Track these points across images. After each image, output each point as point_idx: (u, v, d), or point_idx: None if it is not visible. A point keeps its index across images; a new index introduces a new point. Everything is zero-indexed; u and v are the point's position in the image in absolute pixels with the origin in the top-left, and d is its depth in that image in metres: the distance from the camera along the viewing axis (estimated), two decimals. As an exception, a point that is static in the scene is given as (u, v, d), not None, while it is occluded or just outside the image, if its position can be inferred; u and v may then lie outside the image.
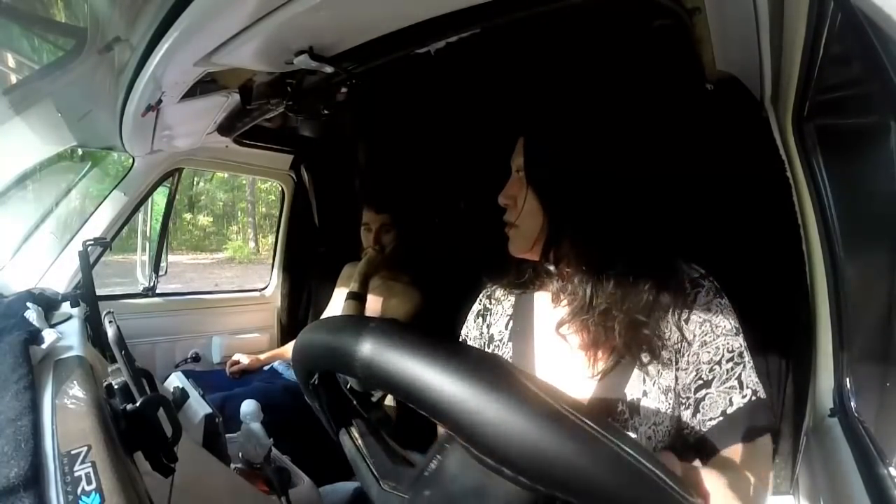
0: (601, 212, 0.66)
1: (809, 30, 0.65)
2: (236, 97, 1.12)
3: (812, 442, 0.78)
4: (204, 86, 1.00)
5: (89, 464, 0.42)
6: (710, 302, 0.66)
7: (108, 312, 0.77)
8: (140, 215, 1.83)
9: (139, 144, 1.32)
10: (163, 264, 1.96)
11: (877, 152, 0.69)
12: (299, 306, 2.28)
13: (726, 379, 0.64)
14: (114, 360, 0.65)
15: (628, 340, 0.64)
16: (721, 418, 0.63)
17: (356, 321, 0.32)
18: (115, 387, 0.55)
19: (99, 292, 1.18)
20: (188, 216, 14.50)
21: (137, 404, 0.50)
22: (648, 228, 0.67)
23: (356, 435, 0.45)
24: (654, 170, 0.72)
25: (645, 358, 0.64)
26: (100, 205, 1.59)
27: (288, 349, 2.00)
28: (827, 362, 0.79)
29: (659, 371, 0.65)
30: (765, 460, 0.63)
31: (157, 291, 1.96)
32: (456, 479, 0.30)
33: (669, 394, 0.65)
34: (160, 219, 1.93)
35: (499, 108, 1.25)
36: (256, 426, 1.05)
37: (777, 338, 0.89)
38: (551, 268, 0.72)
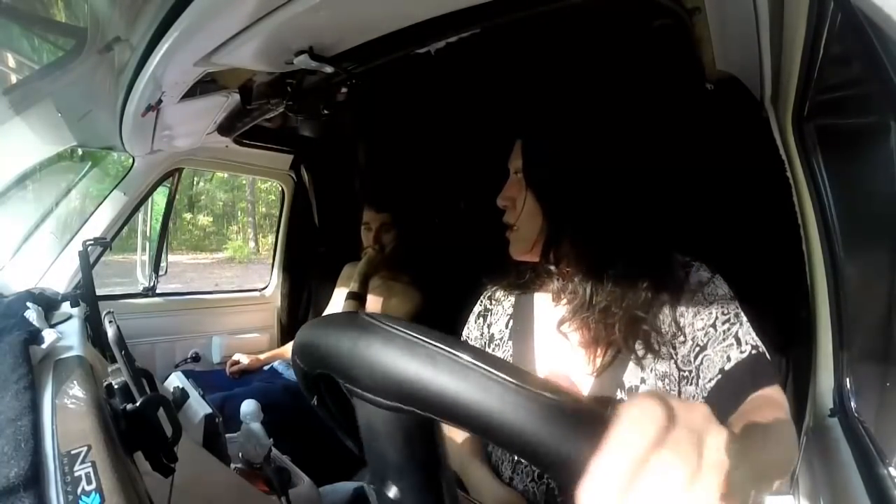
0: (600, 212, 0.66)
1: (809, 30, 0.65)
2: (236, 97, 1.12)
3: (812, 442, 0.78)
4: (204, 86, 1.00)
5: (89, 464, 0.41)
6: (700, 277, 0.67)
7: (108, 312, 0.77)
8: (140, 215, 1.83)
9: (139, 144, 1.32)
10: (163, 264, 1.96)
11: (877, 152, 0.69)
12: (299, 306, 2.28)
13: (723, 339, 0.63)
14: (114, 360, 0.65)
15: (627, 336, 0.64)
16: (719, 376, 0.62)
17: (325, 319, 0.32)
18: (115, 387, 0.55)
19: (99, 292, 1.18)
20: (188, 216, 14.51)
21: (137, 404, 0.50)
22: (647, 227, 0.68)
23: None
24: (654, 170, 0.72)
25: (641, 351, 0.65)
26: (100, 205, 1.59)
27: (288, 349, 2.00)
28: (827, 362, 0.79)
29: (655, 360, 0.66)
30: (780, 412, 0.57)
31: (157, 291, 1.96)
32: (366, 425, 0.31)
33: (666, 379, 0.66)
34: (160, 219, 1.93)
35: (498, 109, 1.25)
36: (256, 426, 1.05)
37: (777, 338, 0.89)
38: (551, 268, 0.72)
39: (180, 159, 1.75)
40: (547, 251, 0.70)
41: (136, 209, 1.71)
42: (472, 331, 0.85)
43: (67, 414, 0.50)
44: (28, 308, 0.89)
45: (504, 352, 0.77)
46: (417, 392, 0.24)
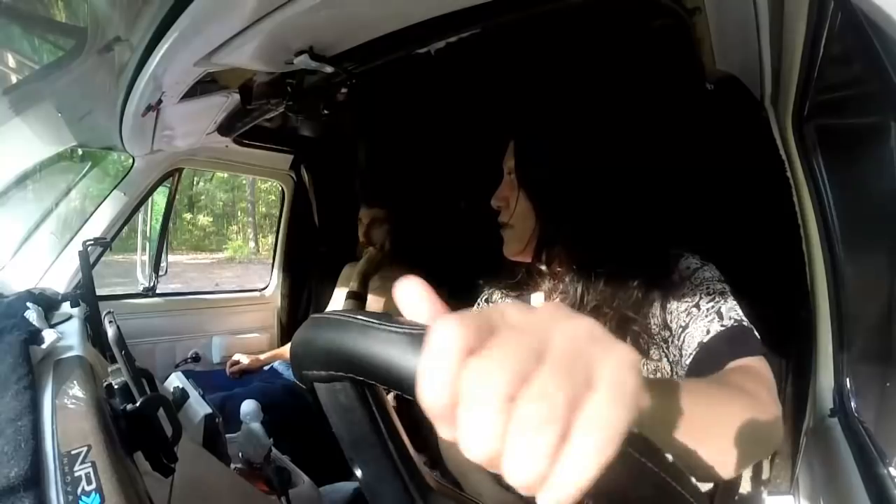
0: (591, 212, 0.66)
1: (809, 30, 0.65)
2: (236, 97, 1.12)
3: (812, 442, 0.78)
4: (204, 86, 1.00)
5: (89, 464, 0.42)
6: (690, 264, 0.66)
7: (108, 312, 0.77)
8: (140, 215, 1.83)
9: (139, 144, 1.32)
10: (163, 264, 1.96)
11: (877, 152, 0.69)
12: (299, 306, 2.28)
13: (705, 315, 0.60)
14: (114, 360, 0.65)
15: (617, 336, 0.63)
16: (697, 349, 0.59)
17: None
18: (115, 387, 0.55)
19: (99, 292, 1.18)
20: (188, 216, 14.51)
21: (137, 404, 0.50)
22: (639, 227, 0.68)
23: None
24: (648, 170, 0.72)
25: None
26: (100, 205, 1.59)
27: (288, 349, 2.00)
28: (827, 362, 0.79)
29: (645, 362, 0.65)
30: (758, 382, 0.50)
31: (157, 291, 1.96)
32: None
33: (658, 373, 0.65)
34: (160, 219, 1.93)
35: (496, 108, 1.25)
36: (256, 426, 1.05)
37: (777, 338, 0.89)
38: (543, 267, 0.73)
39: (180, 159, 1.75)
40: (539, 251, 0.70)
41: (136, 209, 1.71)
42: None
43: (67, 414, 0.50)
44: (28, 308, 0.89)
45: None
46: (339, 357, 0.27)
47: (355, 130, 1.90)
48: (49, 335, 0.73)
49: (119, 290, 2.08)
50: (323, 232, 2.24)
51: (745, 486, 0.88)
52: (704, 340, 0.59)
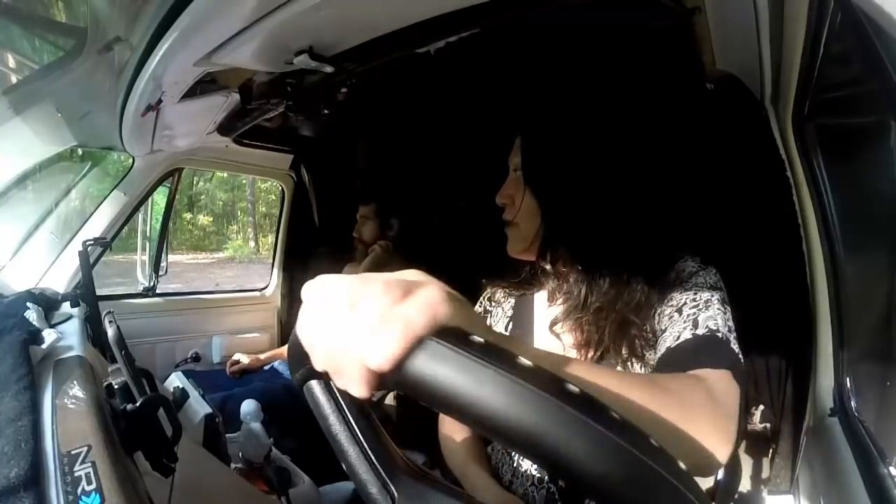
0: (597, 211, 0.66)
1: (809, 29, 0.65)
2: (236, 97, 1.12)
3: (812, 442, 0.78)
4: (204, 86, 1.00)
5: (89, 464, 0.42)
6: (688, 268, 0.65)
7: (108, 312, 0.77)
8: (140, 215, 1.83)
9: (139, 144, 1.32)
10: (163, 264, 1.96)
11: (877, 152, 0.69)
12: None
13: (684, 321, 0.60)
14: (114, 360, 0.65)
15: (617, 339, 0.63)
16: (664, 352, 0.59)
17: None
18: (115, 387, 0.55)
19: (99, 292, 1.18)
20: (188, 216, 14.51)
21: (137, 404, 0.50)
22: (645, 228, 0.67)
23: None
24: (653, 169, 0.72)
25: (625, 354, 0.64)
26: (100, 205, 1.59)
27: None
28: (827, 362, 0.79)
29: (640, 365, 0.65)
30: (709, 396, 0.47)
31: (157, 291, 1.96)
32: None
33: None
34: (160, 218, 1.93)
35: (497, 107, 1.25)
36: (256, 426, 1.05)
37: (777, 338, 0.89)
38: (547, 267, 0.72)
39: (180, 159, 1.75)
40: (543, 250, 0.70)
41: (136, 209, 1.71)
42: None
43: (67, 414, 0.50)
44: (28, 308, 0.89)
45: None
46: None
47: (355, 130, 1.90)
48: (49, 335, 0.73)
49: (119, 290, 2.08)
50: (323, 232, 2.24)
51: (746, 485, 0.88)
52: (672, 346, 0.59)
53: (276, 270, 2.32)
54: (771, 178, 0.87)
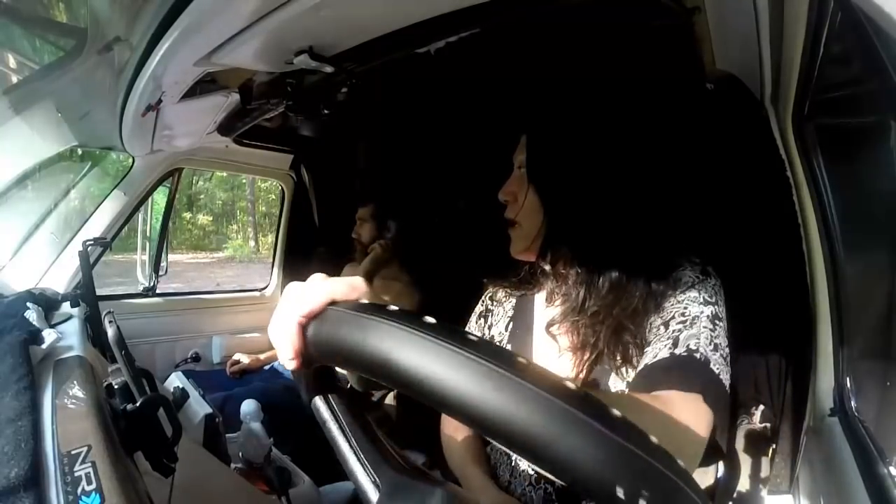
0: (600, 211, 0.66)
1: (809, 29, 0.65)
2: (236, 97, 1.12)
3: (812, 442, 0.78)
4: (204, 86, 1.00)
5: (89, 464, 0.42)
6: (686, 278, 0.63)
7: (108, 312, 0.77)
8: (140, 215, 1.83)
9: (139, 144, 1.32)
10: (163, 264, 1.96)
11: (877, 152, 0.69)
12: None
13: (666, 338, 0.59)
14: (114, 360, 0.65)
15: (611, 345, 0.63)
16: (641, 368, 0.59)
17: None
18: (115, 387, 0.55)
19: (99, 292, 1.18)
20: (187, 215, 14.51)
21: (137, 404, 0.50)
22: (646, 229, 0.67)
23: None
24: (655, 170, 0.72)
25: (619, 360, 0.63)
26: (100, 205, 1.59)
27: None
28: (827, 362, 0.78)
29: (633, 370, 0.64)
30: (668, 420, 0.48)
31: (157, 291, 1.96)
32: None
33: None
34: (160, 218, 1.93)
35: (498, 106, 1.25)
36: (256, 426, 1.05)
37: (777, 338, 0.89)
38: (547, 267, 0.72)
39: (180, 159, 1.75)
40: (544, 250, 0.69)
41: (136, 209, 1.71)
42: (473, 331, 0.85)
43: (67, 414, 0.50)
44: (28, 308, 0.89)
45: None
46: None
47: (355, 130, 1.90)
48: (49, 335, 0.73)
49: (119, 290, 2.08)
50: (323, 232, 2.24)
51: (745, 485, 0.88)
52: (649, 363, 0.59)
53: (276, 270, 2.32)
54: (771, 178, 0.87)
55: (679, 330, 0.59)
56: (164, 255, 1.97)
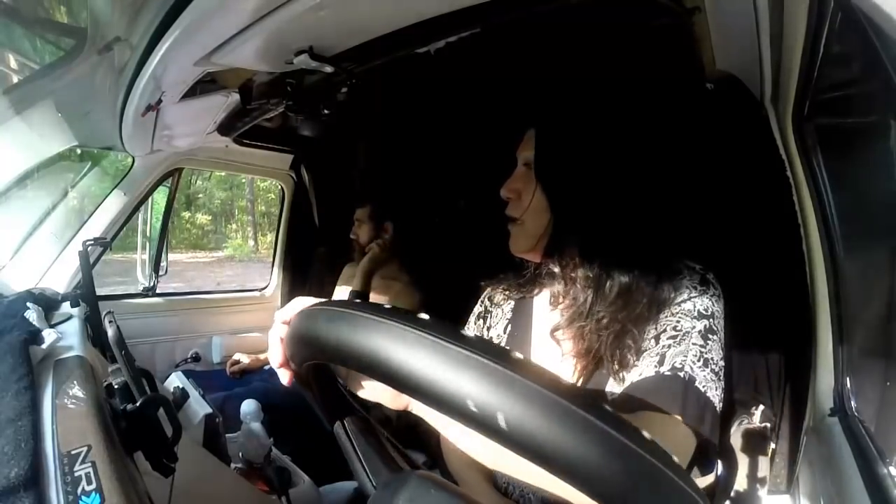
0: (610, 211, 0.64)
1: (809, 30, 0.65)
2: (236, 97, 1.12)
3: (812, 442, 0.78)
4: (204, 86, 1.00)
5: (89, 464, 0.42)
6: (687, 288, 0.62)
7: (108, 312, 0.77)
8: (140, 215, 1.83)
9: (139, 144, 1.32)
10: (163, 264, 1.96)
11: (877, 152, 0.69)
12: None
13: (655, 353, 0.59)
14: (114, 360, 0.65)
15: (612, 350, 0.62)
16: (627, 386, 0.59)
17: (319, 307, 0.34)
18: (115, 387, 0.55)
19: (99, 292, 1.18)
20: (186, 214, 14.50)
21: (137, 404, 0.50)
22: (653, 230, 0.66)
23: (352, 431, 0.46)
24: (659, 170, 0.71)
25: (616, 365, 0.62)
26: (100, 205, 1.59)
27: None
28: (827, 362, 0.78)
29: (630, 373, 0.63)
30: (672, 446, 0.44)
31: (158, 291, 1.96)
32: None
33: None
34: (160, 218, 1.93)
35: (500, 105, 1.25)
36: (256, 426, 1.05)
37: (777, 338, 0.89)
38: (556, 269, 0.70)
39: (180, 159, 1.75)
40: (551, 250, 0.67)
41: (136, 209, 1.71)
42: (472, 331, 0.84)
43: (67, 414, 0.50)
44: (28, 308, 0.89)
45: None
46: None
47: (355, 130, 1.90)
48: (49, 335, 0.73)
49: (119, 290, 2.08)
50: (323, 232, 2.24)
51: (745, 485, 0.88)
52: (634, 381, 0.59)
53: (276, 270, 2.32)
54: (771, 178, 0.87)
55: (668, 346, 0.59)
56: (164, 255, 1.97)
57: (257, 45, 0.75)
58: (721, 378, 0.59)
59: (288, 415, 1.42)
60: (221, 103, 1.14)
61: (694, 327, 0.60)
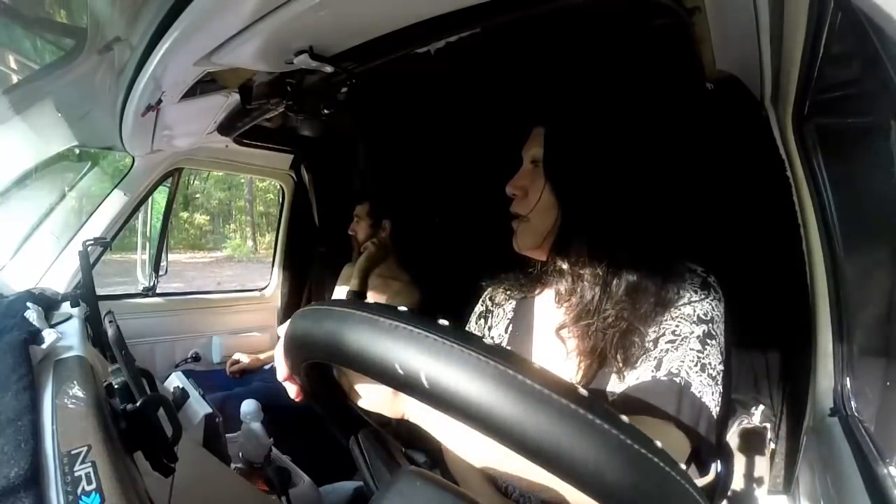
0: (619, 210, 0.64)
1: (809, 30, 0.65)
2: (236, 97, 1.12)
3: (812, 442, 0.78)
4: (204, 86, 1.00)
5: (89, 464, 0.42)
6: (684, 291, 0.63)
7: (108, 312, 0.77)
8: (140, 215, 1.83)
9: (139, 144, 1.32)
10: (163, 264, 1.97)
11: (877, 152, 0.69)
12: (299, 306, 2.27)
13: (652, 358, 0.59)
14: (114, 360, 0.65)
15: (617, 348, 0.62)
16: (624, 389, 0.59)
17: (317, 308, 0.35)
18: (115, 387, 0.55)
19: (99, 292, 1.18)
20: (185, 214, 14.49)
21: (137, 404, 0.50)
22: (660, 230, 0.66)
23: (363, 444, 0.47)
24: (663, 169, 0.71)
25: (620, 364, 0.62)
26: (100, 205, 1.59)
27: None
28: (827, 362, 0.78)
29: (630, 372, 0.63)
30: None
31: (158, 291, 1.96)
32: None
33: None
34: (160, 218, 1.93)
35: (502, 104, 1.25)
36: (256, 426, 1.05)
37: (777, 338, 0.89)
38: (564, 266, 0.69)
39: (180, 159, 1.75)
40: (558, 248, 0.67)
41: (136, 209, 1.71)
42: (473, 331, 0.84)
43: (67, 414, 0.50)
44: (28, 308, 0.89)
45: None
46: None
47: (355, 130, 1.90)
48: (49, 335, 0.73)
49: (119, 290, 2.08)
50: (323, 232, 2.25)
51: (745, 485, 0.88)
52: (631, 385, 0.59)
53: (276, 270, 2.32)
54: (771, 178, 0.87)
55: (665, 350, 0.59)
56: (164, 255, 1.97)
57: (257, 45, 0.75)
58: (719, 382, 0.59)
59: (288, 415, 1.42)
60: (221, 103, 1.14)
61: (692, 332, 0.60)
